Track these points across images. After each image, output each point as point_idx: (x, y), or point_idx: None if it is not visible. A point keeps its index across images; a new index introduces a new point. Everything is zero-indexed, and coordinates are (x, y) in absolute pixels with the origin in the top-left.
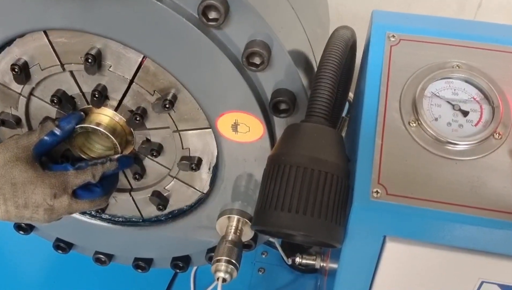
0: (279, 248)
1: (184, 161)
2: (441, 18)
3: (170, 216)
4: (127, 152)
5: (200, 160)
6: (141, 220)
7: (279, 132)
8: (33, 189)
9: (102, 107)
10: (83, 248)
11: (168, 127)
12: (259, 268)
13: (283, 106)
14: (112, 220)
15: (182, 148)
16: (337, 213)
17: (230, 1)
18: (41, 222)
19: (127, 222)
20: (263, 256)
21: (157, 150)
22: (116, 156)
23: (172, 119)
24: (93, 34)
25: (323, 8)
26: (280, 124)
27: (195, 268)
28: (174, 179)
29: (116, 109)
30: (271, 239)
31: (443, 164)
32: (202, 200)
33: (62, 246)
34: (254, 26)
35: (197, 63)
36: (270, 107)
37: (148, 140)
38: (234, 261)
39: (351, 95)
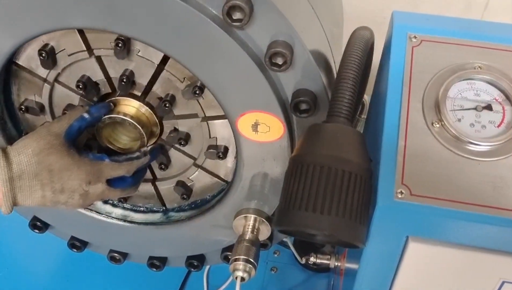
0: (292, 248)
1: (211, 150)
2: (461, 19)
3: (192, 206)
4: (151, 143)
5: (226, 149)
6: (161, 210)
7: (298, 132)
8: (69, 175)
9: (129, 99)
10: (97, 247)
11: (196, 115)
12: (271, 267)
13: (304, 106)
14: (128, 220)
15: (210, 137)
16: (361, 213)
17: (254, 2)
18: (76, 207)
19: (148, 211)
20: (275, 255)
21: (184, 139)
22: (148, 148)
23: (200, 105)
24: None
25: (339, 8)
26: (300, 124)
27: (208, 267)
28: (199, 169)
29: (143, 95)
30: (284, 239)
31: (466, 165)
32: (223, 191)
33: (77, 244)
34: (277, 27)
35: (220, 63)
36: (291, 107)
37: (176, 129)
38: (252, 260)
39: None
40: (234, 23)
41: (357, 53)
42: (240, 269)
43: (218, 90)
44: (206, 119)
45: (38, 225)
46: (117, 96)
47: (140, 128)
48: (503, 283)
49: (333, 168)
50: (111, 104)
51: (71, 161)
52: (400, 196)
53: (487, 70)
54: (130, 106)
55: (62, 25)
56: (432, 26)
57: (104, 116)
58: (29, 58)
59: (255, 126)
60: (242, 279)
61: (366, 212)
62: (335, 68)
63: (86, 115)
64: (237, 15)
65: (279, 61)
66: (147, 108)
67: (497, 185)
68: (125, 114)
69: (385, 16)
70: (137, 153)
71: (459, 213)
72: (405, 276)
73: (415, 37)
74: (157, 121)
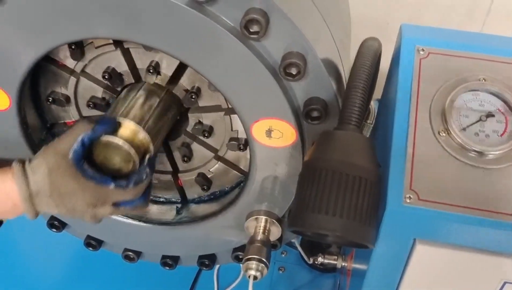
0: (299, 248)
1: (233, 142)
2: (467, 32)
3: (212, 197)
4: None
5: (247, 141)
6: (179, 200)
7: (309, 138)
8: (76, 199)
9: (130, 122)
10: (112, 246)
11: (220, 106)
12: (279, 267)
13: (315, 114)
14: (143, 220)
15: (231, 130)
16: (370, 215)
17: (270, 15)
18: (91, 223)
19: (167, 203)
20: (283, 255)
21: (208, 131)
22: (146, 163)
23: (224, 97)
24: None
25: (347, 18)
26: (311, 131)
27: (217, 266)
28: (219, 161)
29: (168, 84)
30: (291, 240)
31: (471, 172)
32: (241, 183)
33: (93, 243)
34: (291, 38)
35: (236, 72)
36: (303, 114)
37: (200, 122)
38: (264, 260)
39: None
40: (251, 36)
41: (366, 63)
42: (253, 268)
43: (234, 98)
44: (229, 111)
45: (56, 224)
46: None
47: (134, 156)
48: (504, 283)
49: (344, 173)
50: (118, 122)
51: (77, 185)
52: (408, 200)
53: (491, 82)
54: (128, 129)
55: (90, 35)
56: (439, 39)
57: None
58: (59, 51)
59: (268, 132)
60: (255, 277)
61: (375, 215)
62: (344, 76)
63: (90, 133)
64: (254, 28)
65: (293, 71)
66: (146, 134)
67: (500, 192)
68: (122, 137)
69: (388, 21)
70: (143, 175)
71: (464, 218)
72: (412, 277)
73: (423, 50)
74: (151, 146)
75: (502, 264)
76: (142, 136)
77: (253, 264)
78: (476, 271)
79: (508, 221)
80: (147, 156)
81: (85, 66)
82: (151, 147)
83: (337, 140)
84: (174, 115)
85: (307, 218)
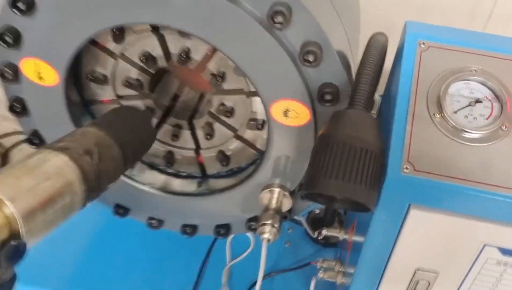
0: (305, 224)
1: (252, 122)
2: (466, 30)
3: (229, 173)
4: None
5: (264, 122)
6: (200, 175)
7: (321, 119)
8: None
9: None
10: (137, 214)
11: (242, 90)
12: (286, 241)
13: (328, 97)
14: (167, 191)
15: (251, 111)
16: (374, 182)
17: (292, 8)
18: None
19: (188, 177)
20: (289, 231)
21: (230, 112)
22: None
23: (246, 82)
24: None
25: (357, 15)
26: (323, 112)
27: (230, 238)
28: (238, 140)
29: (197, 68)
30: (295, 218)
31: (460, 148)
32: (256, 162)
33: (121, 211)
34: (310, 29)
35: (261, 58)
36: (317, 97)
37: (223, 104)
38: (276, 226)
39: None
40: (276, 26)
41: (375, 53)
42: (267, 231)
43: (257, 81)
44: (251, 94)
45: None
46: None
47: None
48: (484, 246)
49: (353, 145)
50: None
51: None
52: (405, 170)
53: (481, 73)
54: None
55: (134, 21)
56: (439, 35)
57: None
58: (101, 35)
59: (285, 112)
60: (268, 240)
61: (378, 182)
62: (353, 65)
63: None
64: (278, 19)
65: (311, 58)
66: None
67: (485, 165)
68: None
69: (393, 21)
70: None
71: (453, 186)
72: (405, 240)
73: (423, 43)
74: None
75: (484, 228)
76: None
77: (267, 228)
78: (461, 235)
79: (491, 191)
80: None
81: (123, 49)
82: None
83: (347, 118)
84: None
85: (320, 182)
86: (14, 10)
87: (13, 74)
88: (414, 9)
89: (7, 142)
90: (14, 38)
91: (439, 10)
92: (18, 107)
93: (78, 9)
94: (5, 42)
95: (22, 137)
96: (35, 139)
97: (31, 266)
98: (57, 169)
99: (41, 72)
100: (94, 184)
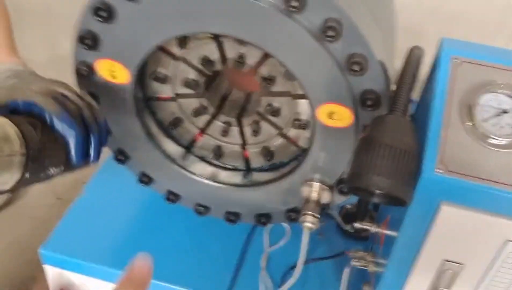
0: (338, 217)
1: (296, 122)
2: (494, 47)
3: (272, 167)
4: None
5: (308, 122)
6: (245, 169)
7: (361, 122)
8: None
9: None
10: (187, 200)
11: (289, 92)
12: (319, 233)
13: (370, 102)
14: (215, 180)
15: (296, 112)
16: (411, 179)
17: (344, 24)
18: None
19: (233, 170)
20: (322, 224)
21: (276, 111)
22: None
23: (293, 85)
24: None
25: (394, 24)
26: (364, 116)
27: (268, 227)
28: (282, 138)
29: (249, 72)
30: (328, 212)
31: (487, 153)
32: (298, 157)
33: (172, 198)
34: (357, 42)
35: (312, 65)
36: (360, 102)
37: (270, 105)
38: (317, 215)
39: None
40: (327, 39)
41: (412, 66)
42: (308, 221)
43: (306, 86)
44: (296, 97)
45: (145, 180)
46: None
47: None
48: (506, 241)
49: (393, 147)
50: None
51: None
52: (438, 171)
53: (508, 87)
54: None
55: (202, 30)
56: (471, 51)
57: None
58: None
59: (330, 115)
60: (309, 229)
61: (414, 180)
62: (391, 72)
63: None
64: (330, 33)
65: (356, 68)
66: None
67: (509, 168)
68: None
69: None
70: None
71: (480, 187)
72: (435, 234)
73: (457, 58)
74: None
75: (507, 226)
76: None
77: (308, 217)
78: (486, 230)
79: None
80: None
81: (185, 53)
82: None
83: (387, 122)
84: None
85: (365, 178)
86: (96, 17)
87: (88, 72)
88: (443, 20)
89: None
90: (93, 41)
91: (466, 19)
92: None
93: (152, 19)
94: (85, 44)
95: None
96: None
97: (80, 240)
98: None
99: (115, 71)
100: (35, 155)
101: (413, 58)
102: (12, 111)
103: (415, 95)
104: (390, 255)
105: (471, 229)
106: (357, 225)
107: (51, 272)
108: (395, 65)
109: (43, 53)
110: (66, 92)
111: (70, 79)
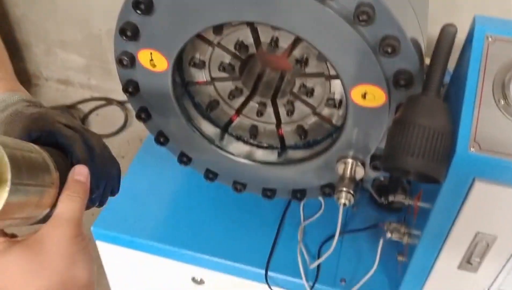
0: (372, 190)
1: (330, 101)
2: None
3: (306, 144)
4: None
5: (341, 101)
6: (279, 146)
7: (394, 101)
8: None
9: None
10: (225, 178)
11: (322, 73)
12: (353, 205)
13: (402, 82)
14: (251, 159)
15: (330, 92)
16: (443, 158)
17: (376, 8)
18: None
19: (269, 148)
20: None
21: (310, 92)
22: None
23: (327, 67)
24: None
25: (427, 8)
26: (397, 96)
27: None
28: (315, 117)
29: (283, 54)
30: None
31: None
32: (333, 134)
33: (211, 176)
34: (390, 25)
35: (345, 48)
36: (393, 83)
37: (304, 85)
38: (352, 192)
39: None
40: (361, 22)
41: (445, 45)
42: (343, 197)
43: (341, 68)
44: (329, 77)
45: (185, 160)
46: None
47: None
48: None
49: (427, 127)
50: None
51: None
52: (472, 149)
53: None
54: None
55: (239, 19)
56: (506, 29)
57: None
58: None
59: (364, 95)
60: (344, 204)
61: (447, 159)
62: (424, 49)
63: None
64: (363, 17)
65: (389, 50)
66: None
67: None
68: None
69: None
70: None
71: None
72: (469, 208)
73: (491, 36)
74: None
75: None
76: None
77: (343, 193)
78: None
79: None
80: None
81: (221, 39)
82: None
83: (421, 103)
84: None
85: (400, 158)
86: (136, 10)
87: (129, 61)
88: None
89: (86, 107)
90: (133, 33)
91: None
92: (130, 88)
93: (190, 10)
94: (125, 35)
95: (98, 103)
96: (143, 115)
97: (127, 217)
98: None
99: (154, 60)
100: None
101: (445, 36)
102: (33, 140)
103: (450, 67)
104: (425, 227)
105: (504, 203)
106: (391, 198)
107: (102, 247)
108: (429, 33)
109: (79, 33)
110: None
111: (104, 57)
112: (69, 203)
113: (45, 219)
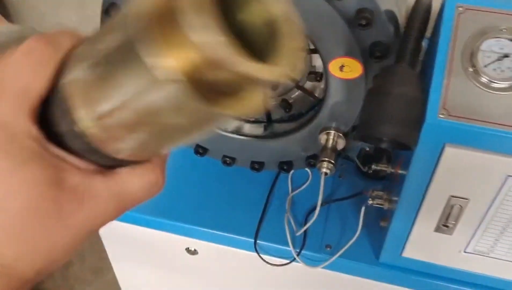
0: (356, 159)
1: (311, 74)
2: None
3: (291, 118)
4: None
5: (321, 74)
6: (266, 120)
7: (371, 72)
8: None
9: None
10: (214, 153)
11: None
12: (339, 174)
13: (378, 54)
14: (238, 133)
15: (311, 65)
16: (415, 125)
17: None
18: None
19: (256, 122)
20: (342, 166)
21: None
22: None
23: (309, 42)
24: None
25: None
26: (373, 66)
27: (290, 173)
28: (298, 90)
29: None
30: (348, 154)
31: (488, 97)
32: (314, 108)
33: (200, 151)
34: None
35: (321, 23)
36: (369, 54)
37: None
38: (333, 161)
39: None
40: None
41: (419, 15)
42: (325, 167)
43: (318, 42)
44: (310, 51)
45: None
46: None
47: None
48: (507, 177)
49: (397, 95)
50: None
51: None
52: (441, 115)
53: (510, 31)
54: None
55: None
56: None
57: None
58: None
59: (341, 67)
60: (326, 173)
61: (418, 125)
62: (400, 20)
63: None
64: None
65: (363, 22)
66: None
67: (509, 110)
68: None
69: None
70: None
71: (481, 128)
72: (441, 173)
73: (461, 6)
74: None
75: (507, 163)
76: None
77: (325, 164)
78: (487, 168)
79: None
80: None
81: None
82: None
83: (393, 73)
84: None
85: (373, 126)
86: None
87: None
88: None
89: None
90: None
91: None
92: None
93: None
94: (110, 16)
95: None
96: None
97: None
98: None
99: None
100: None
101: (419, 6)
102: None
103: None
104: (401, 192)
105: (474, 168)
106: (374, 167)
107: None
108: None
109: (74, 15)
110: None
111: None
112: None
113: None
